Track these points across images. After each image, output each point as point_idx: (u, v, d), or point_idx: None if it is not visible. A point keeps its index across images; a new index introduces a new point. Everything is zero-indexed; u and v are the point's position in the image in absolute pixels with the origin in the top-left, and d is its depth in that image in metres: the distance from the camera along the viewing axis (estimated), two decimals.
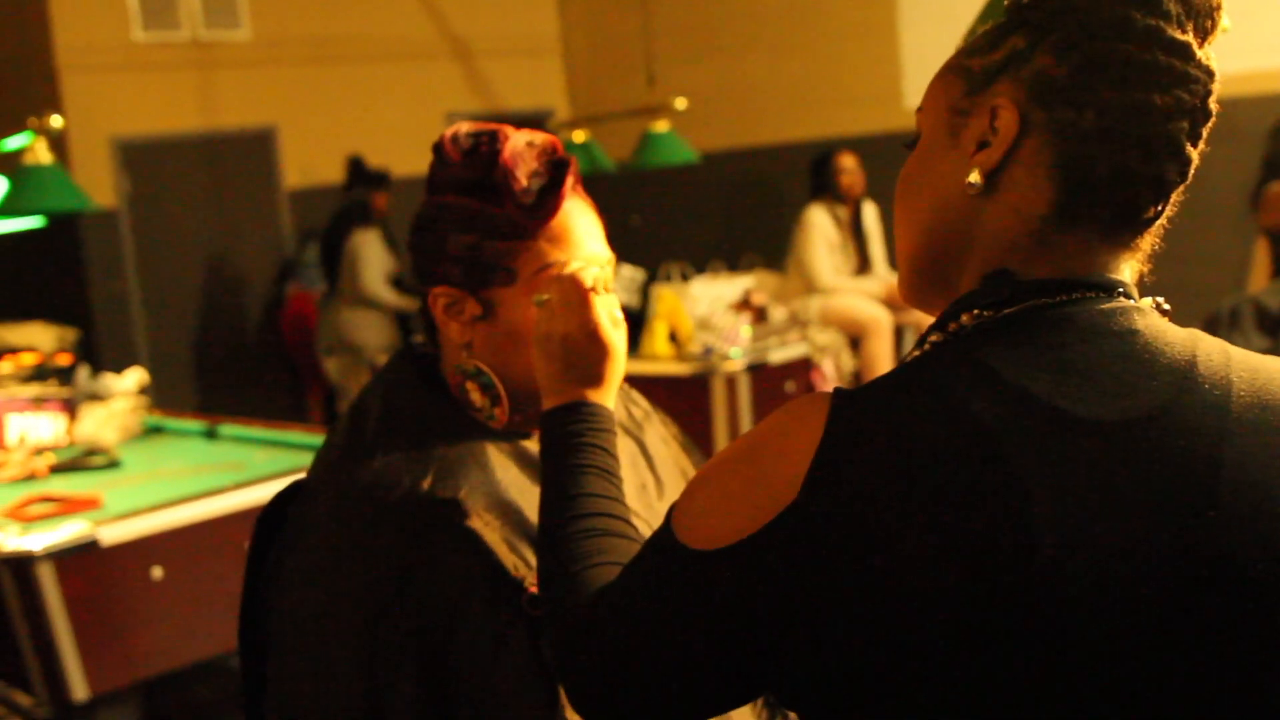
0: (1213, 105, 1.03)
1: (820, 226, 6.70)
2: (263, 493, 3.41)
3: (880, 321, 6.43)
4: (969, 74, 1.07)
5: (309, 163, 8.68)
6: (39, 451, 4.30)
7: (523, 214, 1.40)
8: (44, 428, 4.50)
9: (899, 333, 6.64)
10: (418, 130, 7.88)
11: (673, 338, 5.94)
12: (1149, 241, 1.06)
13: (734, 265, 7.44)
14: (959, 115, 1.07)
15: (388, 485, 1.36)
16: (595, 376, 1.33)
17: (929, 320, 1.09)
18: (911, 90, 7.82)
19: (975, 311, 1.02)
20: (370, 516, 1.35)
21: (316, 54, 8.61)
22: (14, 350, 5.83)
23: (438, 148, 1.45)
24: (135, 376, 4.86)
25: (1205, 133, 1.04)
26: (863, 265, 6.87)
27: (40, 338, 6.24)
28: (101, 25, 7.80)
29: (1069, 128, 1.01)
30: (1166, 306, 1.07)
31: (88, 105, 7.64)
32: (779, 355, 5.96)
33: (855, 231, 6.88)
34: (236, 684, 1.54)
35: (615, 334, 1.36)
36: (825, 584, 0.93)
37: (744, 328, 5.94)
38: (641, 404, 1.69)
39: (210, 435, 4.53)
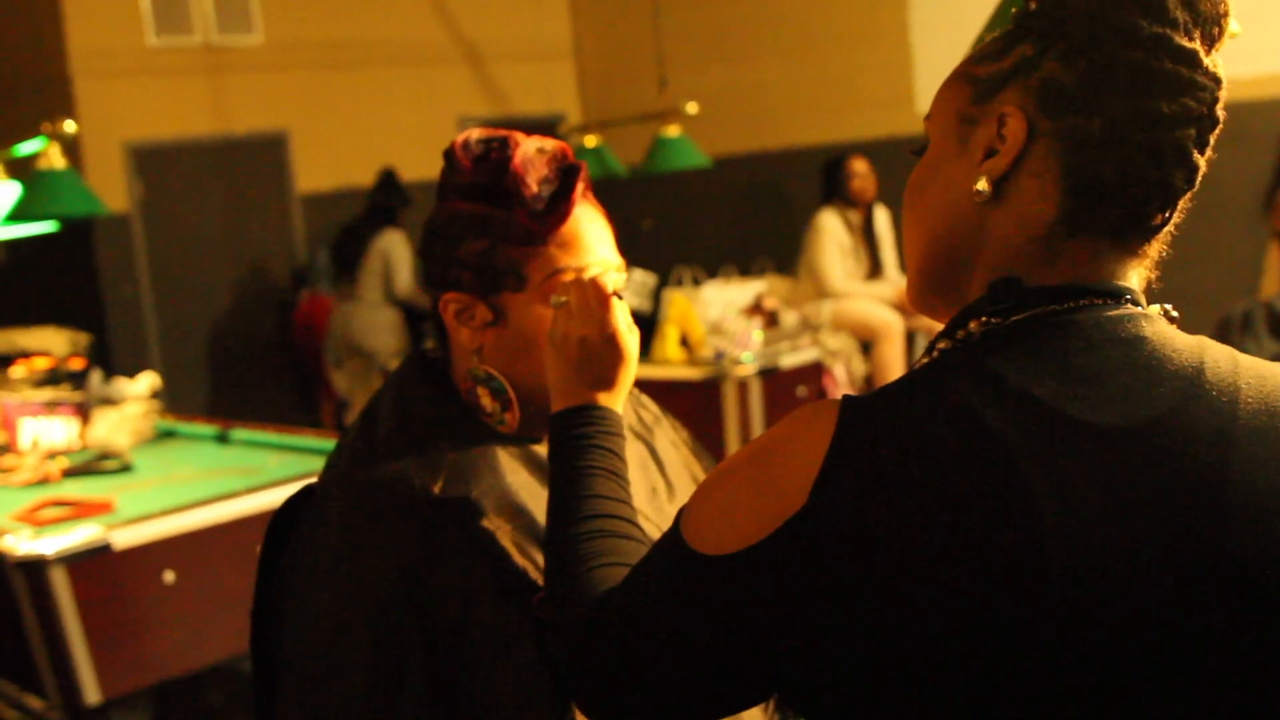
0: (1220, 112, 1.03)
1: (832, 231, 6.70)
2: (275, 497, 3.42)
3: (892, 326, 6.42)
4: (976, 82, 1.08)
5: (323, 166, 8.70)
6: (52, 456, 4.31)
7: (533, 220, 1.41)
8: (57, 432, 4.51)
9: (910, 337, 6.64)
10: (429, 135, 7.91)
11: (684, 342, 5.94)
12: (1156, 248, 1.07)
13: (745, 270, 7.44)
14: (967, 123, 1.08)
15: (398, 489, 1.37)
16: (608, 380, 1.35)
17: (940, 325, 1.09)
18: (923, 94, 7.82)
19: (983, 319, 1.03)
20: (380, 519, 1.35)
21: (329, 59, 8.63)
22: (27, 354, 5.84)
23: (449, 154, 1.46)
24: (148, 380, 4.88)
25: (1213, 140, 1.04)
26: (874, 270, 6.86)
27: (53, 342, 6.25)
28: (115, 31, 7.83)
29: (1076, 135, 1.01)
30: (1175, 314, 1.07)
31: (101, 110, 7.66)
32: (790, 360, 5.96)
33: (867, 236, 6.88)
34: (248, 687, 1.54)
35: (631, 339, 1.37)
36: (833, 589, 0.93)
37: (755, 332, 5.93)
38: (651, 408, 1.70)
39: (222, 439, 4.54)
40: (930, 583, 0.91)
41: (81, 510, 3.50)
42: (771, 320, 6.19)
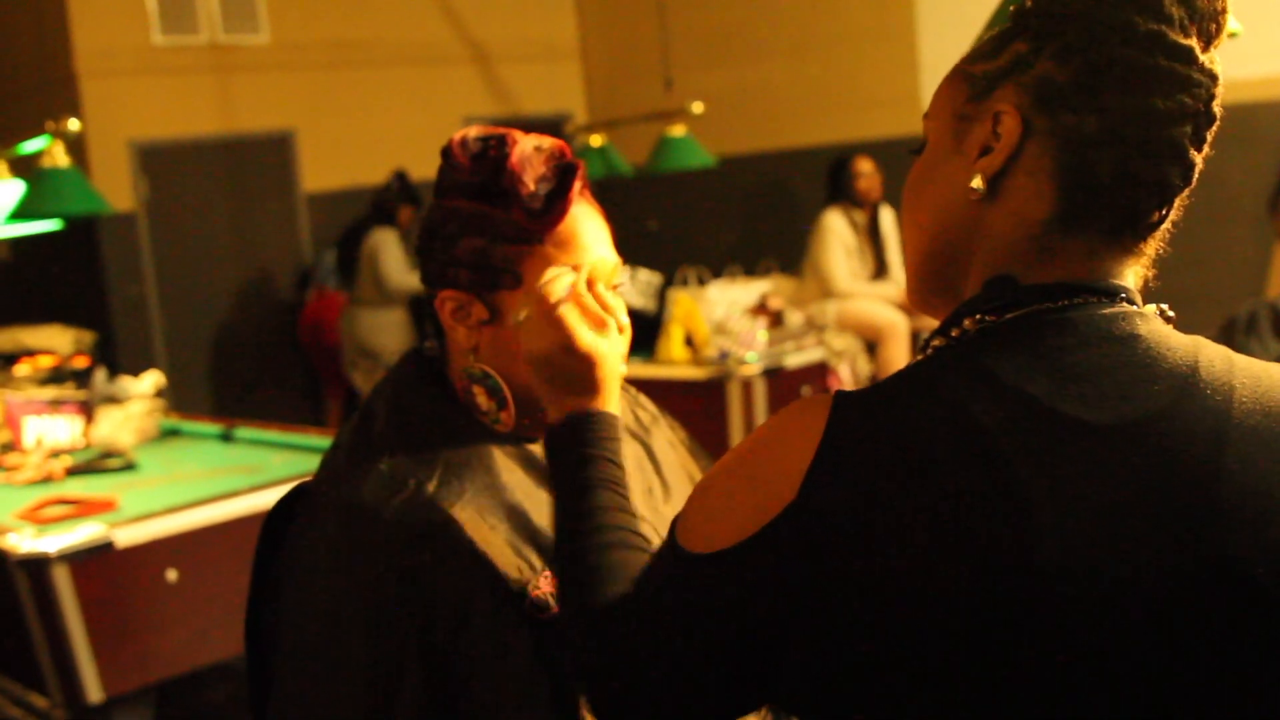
0: (1217, 109, 1.03)
1: (837, 231, 6.70)
2: (278, 496, 3.41)
3: (897, 326, 6.42)
4: (973, 80, 1.08)
5: (329, 166, 8.71)
6: (56, 454, 4.31)
7: (529, 218, 1.40)
8: (61, 430, 4.51)
9: (916, 337, 6.63)
10: (436, 134, 7.85)
11: (689, 342, 5.94)
12: (1154, 246, 1.07)
13: (751, 269, 7.43)
14: (963, 121, 1.08)
15: (393, 488, 1.37)
16: (588, 386, 1.30)
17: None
18: (929, 94, 7.70)
19: (978, 316, 1.03)
20: (374, 519, 1.35)
21: (335, 58, 8.63)
22: (32, 353, 5.86)
23: (446, 152, 1.46)
24: (152, 379, 4.88)
25: (1210, 136, 1.04)
26: (879, 270, 6.86)
27: (57, 340, 6.26)
28: (120, 29, 7.83)
29: (1071, 133, 1.01)
30: (1171, 313, 1.07)
31: (107, 109, 7.67)
32: (795, 360, 5.96)
33: (872, 236, 6.87)
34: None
35: (599, 341, 1.31)
36: (824, 584, 0.94)
37: (760, 332, 5.93)
38: (649, 408, 1.69)
39: (226, 438, 4.54)
40: (920, 578, 0.91)
41: (84, 509, 3.50)
42: (776, 320, 6.18)
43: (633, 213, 8.81)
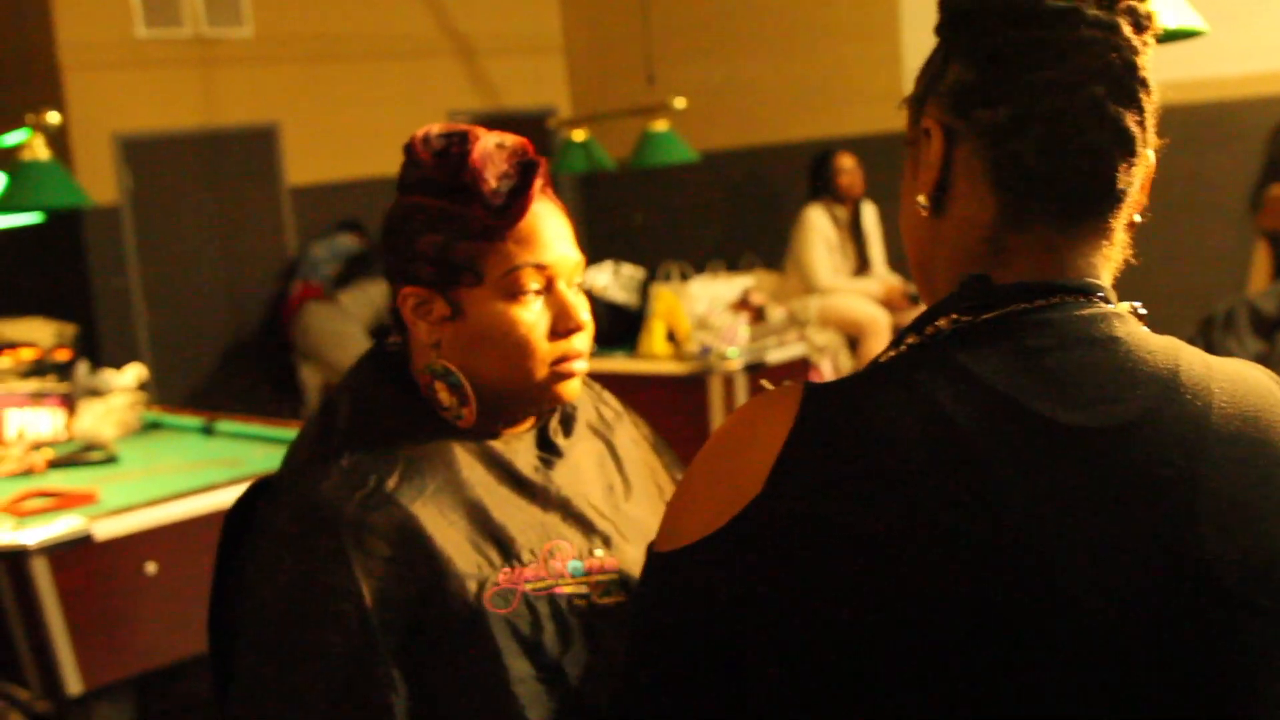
0: (1138, 59, 1.00)
1: (819, 226, 6.71)
2: None
3: (878, 322, 6.44)
4: (911, 103, 1.09)
5: (313, 159, 8.70)
6: (37, 446, 4.31)
7: (491, 215, 1.41)
8: (43, 423, 4.51)
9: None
10: (419, 128, 7.88)
11: (671, 337, 5.94)
12: (1122, 238, 1.05)
13: (733, 265, 7.44)
14: (912, 145, 1.09)
15: (354, 484, 1.37)
16: None
17: None
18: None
19: (953, 316, 1.02)
20: (335, 515, 1.35)
21: (319, 52, 8.61)
22: (13, 345, 5.84)
23: (409, 148, 1.47)
24: (134, 372, 4.87)
25: (1147, 86, 1.01)
26: (861, 265, 6.87)
27: (40, 333, 6.23)
28: (104, 22, 7.81)
29: (989, 128, 1.01)
30: (1143, 311, 1.06)
31: (90, 102, 7.65)
32: (777, 355, 5.95)
33: (854, 232, 6.89)
34: None
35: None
36: (790, 578, 0.93)
37: (742, 327, 5.93)
38: (612, 404, 1.69)
39: (208, 431, 4.54)
40: (889, 574, 0.90)
41: (64, 501, 3.50)
42: (758, 315, 6.18)
43: (615, 208, 8.81)
